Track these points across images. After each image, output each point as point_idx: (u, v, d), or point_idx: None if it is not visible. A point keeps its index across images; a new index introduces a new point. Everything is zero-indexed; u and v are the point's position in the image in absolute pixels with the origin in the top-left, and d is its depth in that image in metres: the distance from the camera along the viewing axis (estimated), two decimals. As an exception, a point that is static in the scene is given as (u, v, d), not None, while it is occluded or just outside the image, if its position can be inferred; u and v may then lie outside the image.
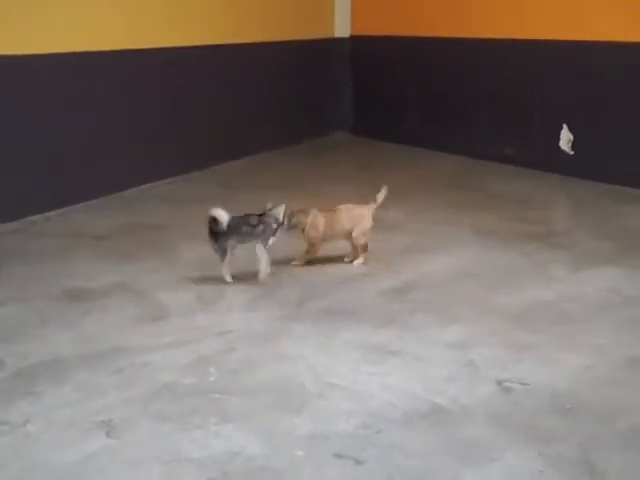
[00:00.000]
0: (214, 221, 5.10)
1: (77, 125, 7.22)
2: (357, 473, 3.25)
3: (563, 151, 8.22)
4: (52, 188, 7.02)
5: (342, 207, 5.65)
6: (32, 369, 4.14)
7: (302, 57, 10.21)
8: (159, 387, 3.92)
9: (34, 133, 6.81)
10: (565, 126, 8.15)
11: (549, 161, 8.35)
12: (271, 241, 5.29)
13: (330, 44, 10.77)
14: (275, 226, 5.27)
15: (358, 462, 3.31)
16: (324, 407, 3.73)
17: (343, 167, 9.82)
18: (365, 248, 5.65)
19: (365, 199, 5.76)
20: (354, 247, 5.65)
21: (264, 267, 5.27)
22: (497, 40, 8.73)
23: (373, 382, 3.94)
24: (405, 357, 4.21)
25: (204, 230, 5.21)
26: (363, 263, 5.64)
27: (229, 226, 5.13)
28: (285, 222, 5.37)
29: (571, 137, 8.12)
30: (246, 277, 5.27)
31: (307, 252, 5.58)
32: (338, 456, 3.35)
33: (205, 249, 5.32)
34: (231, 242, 5.17)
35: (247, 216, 5.25)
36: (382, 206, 5.72)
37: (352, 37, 10.84)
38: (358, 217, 5.59)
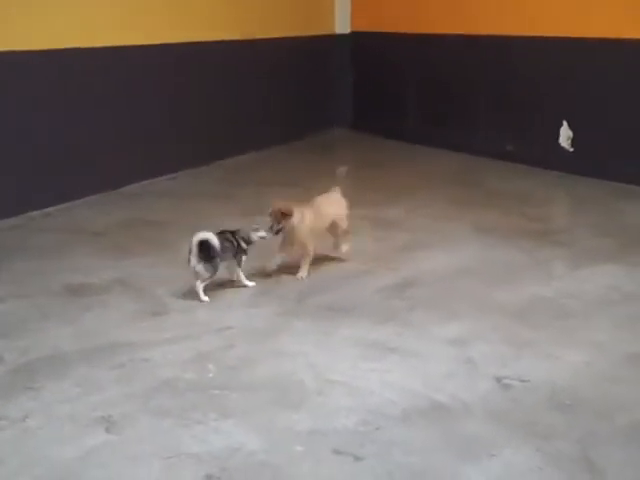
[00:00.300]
0: (204, 245, 4.84)
1: (77, 121, 7.22)
2: (356, 469, 3.26)
3: (563, 148, 8.22)
4: (52, 184, 7.02)
5: (319, 199, 5.53)
6: (32, 364, 4.14)
7: (302, 53, 10.20)
8: (159, 383, 3.93)
9: (33, 129, 6.81)
10: (565, 123, 8.15)
11: (549, 158, 8.35)
12: (244, 259, 5.14)
13: (330, 40, 10.76)
14: (245, 246, 5.11)
15: (357, 458, 3.32)
16: (323, 403, 3.74)
17: (343, 163, 9.82)
18: (349, 232, 5.62)
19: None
20: (337, 235, 5.59)
21: (244, 281, 5.16)
22: (497, 37, 8.73)
23: (372, 378, 3.95)
24: (404, 354, 4.21)
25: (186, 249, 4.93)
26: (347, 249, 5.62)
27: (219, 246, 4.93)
28: (273, 227, 5.21)
29: (571, 134, 8.12)
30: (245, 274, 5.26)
31: (305, 258, 5.37)
32: (337, 452, 3.36)
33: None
34: (221, 261, 4.98)
35: (223, 233, 5.05)
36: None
37: (352, 33, 10.83)
38: (336, 204, 5.56)
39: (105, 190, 7.53)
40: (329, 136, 10.92)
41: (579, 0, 7.92)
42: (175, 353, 4.24)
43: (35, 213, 6.84)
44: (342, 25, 10.84)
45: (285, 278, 5.34)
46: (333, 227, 5.56)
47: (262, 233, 5.16)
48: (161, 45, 7.97)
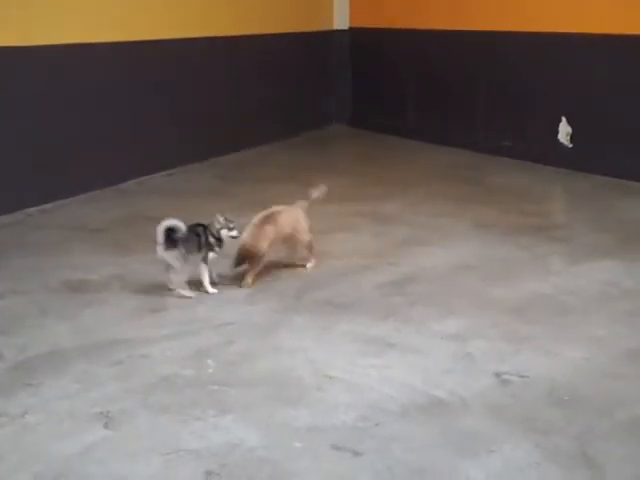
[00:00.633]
0: (169, 233, 4.81)
1: (73, 118, 7.21)
2: (355, 465, 3.26)
3: (562, 144, 8.22)
4: (49, 180, 7.02)
5: (275, 210, 5.27)
6: (31, 361, 4.14)
7: (301, 49, 10.20)
8: (158, 379, 3.93)
9: (30, 126, 6.80)
10: (564, 119, 8.15)
11: (548, 154, 8.35)
12: (211, 255, 5.02)
13: (329, 36, 10.75)
14: (213, 241, 5.00)
15: (356, 454, 3.32)
16: (322, 399, 3.74)
17: (341, 159, 9.83)
18: (311, 247, 5.41)
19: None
20: (296, 249, 5.41)
21: (205, 282, 5.03)
22: (496, 32, 8.72)
23: (372, 374, 3.95)
24: (404, 349, 4.22)
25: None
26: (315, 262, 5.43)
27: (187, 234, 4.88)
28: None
29: (569, 130, 8.12)
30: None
31: (251, 268, 5.13)
32: (336, 448, 3.36)
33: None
34: (187, 253, 4.93)
35: (195, 225, 4.99)
36: (318, 202, 5.51)
37: (351, 29, 10.82)
38: (294, 218, 5.32)
39: (103, 187, 7.53)
40: (328, 132, 10.92)
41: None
42: (174, 349, 4.24)
43: (32, 210, 6.84)
44: (341, 21, 10.83)
45: (284, 274, 5.34)
46: (291, 241, 5.36)
47: (234, 233, 5.02)
48: (158, 41, 7.96)
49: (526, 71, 8.49)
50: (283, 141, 10.01)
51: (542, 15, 8.23)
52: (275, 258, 5.41)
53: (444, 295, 4.96)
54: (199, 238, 4.96)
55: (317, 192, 5.50)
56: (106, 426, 3.54)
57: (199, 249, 4.96)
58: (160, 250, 4.82)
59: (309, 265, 5.43)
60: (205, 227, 5.01)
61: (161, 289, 5.04)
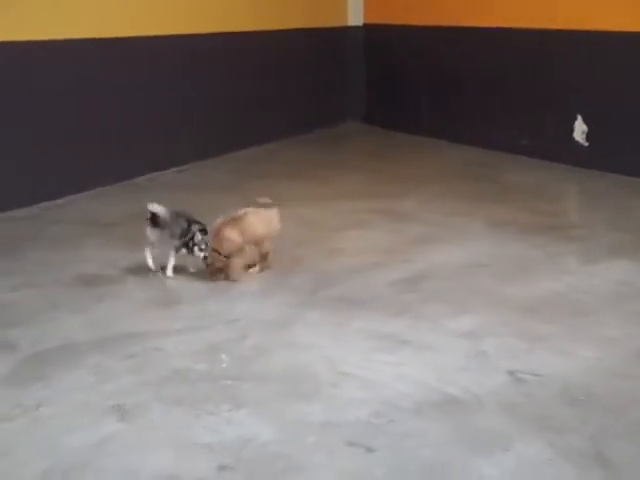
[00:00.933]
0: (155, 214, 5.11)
1: (88, 112, 7.23)
2: (368, 461, 3.25)
3: (578, 142, 8.18)
4: (63, 175, 7.03)
5: (249, 211, 5.15)
6: (44, 353, 4.16)
7: (315, 45, 10.18)
8: (171, 372, 3.93)
9: (44, 121, 6.82)
10: (579, 117, 8.11)
11: (563, 152, 8.31)
12: (183, 251, 5.19)
13: (343, 32, 10.73)
14: (186, 239, 5.17)
15: (370, 450, 3.31)
16: (336, 395, 3.73)
17: (354, 156, 9.81)
18: (267, 256, 5.23)
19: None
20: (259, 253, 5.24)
21: (170, 264, 5.21)
22: (512, 29, 8.68)
23: (385, 371, 3.94)
24: (417, 347, 4.21)
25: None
26: (260, 271, 5.25)
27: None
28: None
29: (585, 128, 8.08)
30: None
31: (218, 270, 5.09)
32: (350, 443, 3.35)
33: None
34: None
35: (182, 215, 5.22)
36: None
37: (365, 25, 10.80)
38: (265, 223, 5.16)
39: (114, 182, 7.54)
40: (341, 129, 10.90)
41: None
42: (187, 343, 4.24)
43: (46, 204, 6.86)
44: (355, 17, 10.81)
45: (297, 269, 5.32)
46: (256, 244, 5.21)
47: (201, 254, 5.14)
48: (174, 37, 7.97)
49: (542, 68, 8.45)
50: (296, 138, 10.00)
51: (558, 12, 8.18)
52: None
53: (458, 293, 4.95)
54: (188, 228, 5.15)
55: (263, 201, 5.24)
56: (120, 419, 3.55)
57: (180, 237, 5.16)
58: (148, 231, 5.16)
59: (252, 270, 5.23)
60: (189, 222, 5.19)
61: (173, 282, 5.05)
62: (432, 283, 5.11)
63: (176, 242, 5.16)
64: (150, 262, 5.22)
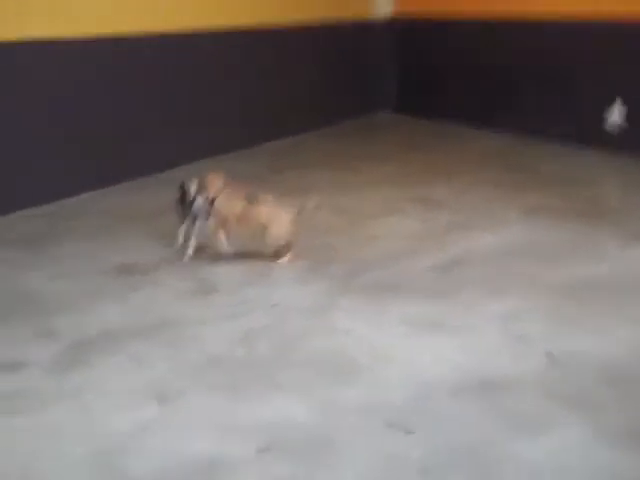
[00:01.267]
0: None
1: (116, 106, 7.28)
2: (407, 442, 3.27)
3: (613, 128, 8.09)
4: (100, 166, 7.11)
5: (268, 199, 5.18)
6: (84, 341, 4.22)
7: (345, 37, 10.16)
8: (210, 358, 3.97)
9: (69, 115, 6.86)
10: (617, 102, 8.02)
11: (599, 138, 8.23)
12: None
13: (375, 23, 10.70)
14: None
15: (408, 432, 3.33)
16: (375, 378, 3.75)
17: (387, 146, 9.77)
18: (288, 248, 5.20)
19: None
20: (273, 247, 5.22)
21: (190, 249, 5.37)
22: (544, 21, 8.60)
23: (423, 354, 3.95)
24: (455, 330, 4.21)
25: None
26: (288, 260, 5.22)
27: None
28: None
29: (623, 113, 7.98)
30: (293, 252, 5.28)
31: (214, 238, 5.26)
32: (388, 425, 3.37)
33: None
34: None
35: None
36: (310, 214, 5.23)
37: (396, 15, 10.76)
38: (274, 215, 5.12)
39: (151, 173, 7.60)
40: (373, 120, 10.88)
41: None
42: (225, 330, 4.28)
43: (83, 196, 6.93)
44: (384, 8, 10.78)
45: (332, 256, 5.34)
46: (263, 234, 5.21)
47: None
48: (205, 32, 8.00)
49: (576, 54, 8.37)
50: (327, 130, 9.99)
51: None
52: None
53: (494, 277, 4.93)
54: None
55: (312, 203, 5.21)
56: (160, 404, 3.60)
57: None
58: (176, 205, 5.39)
59: (280, 261, 5.23)
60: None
61: (210, 271, 5.09)
62: (468, 268, 5.09)
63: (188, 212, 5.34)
64: (180, 238, 5.42)
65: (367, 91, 10.81)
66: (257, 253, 5.29)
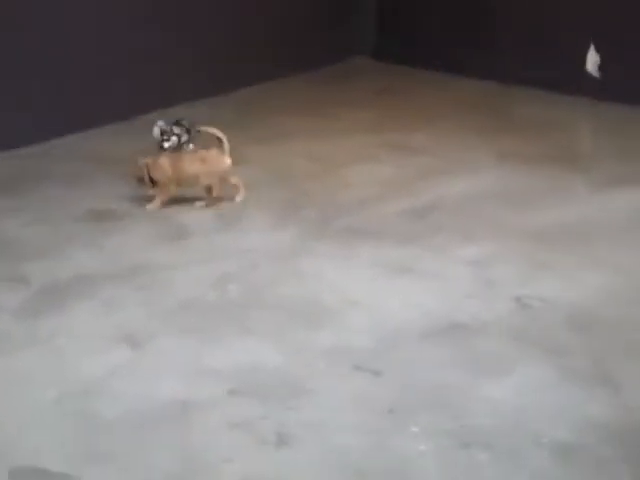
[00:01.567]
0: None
1: (91, 48, 7.14)
2: (375, 384, 3.33)
3: (590, 73, 8.08)
4: (71, 111, 7.01)
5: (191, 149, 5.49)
6: (57, 285, 4.22)
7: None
8: (181, 303, 4.00)
9: (48, 57, 6.76)
10: (592, 47, 8.00)
11: (576, 84, 8.21)
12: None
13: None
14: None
15: (376, 374, 3.39)
16: (344, 322, 3.79)
17: (364, 93, 9.62)
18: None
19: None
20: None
21: None
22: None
23: (393, 298, 4.00)
24: (425, 275, 4.25)
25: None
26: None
27: None
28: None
29: (598, 59, 7.97)
30: (266, 198, 5.28)
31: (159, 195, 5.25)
32: (357, 368, 3.42)
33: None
34: None
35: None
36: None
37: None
38: (209, 159, 5.19)
39: (124, 119, 7.51)
40: (350, 66, 10.76)
41: None
42: (197, 274, 4.29)
43: (56, 141, 6.85)
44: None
45: (305, 202, 5.34)
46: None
47: (166, 144, 5.61)
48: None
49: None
50: (301, 75, 9.82)
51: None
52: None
53: (466, 223, 4.95)
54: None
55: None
56: (132, 347, 3.63)
57: None
58: None
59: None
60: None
61: (182, 217, 5.09)
62: (441, 213, 5.11)
63: None
64: None
65: (343, 36, 10.64)
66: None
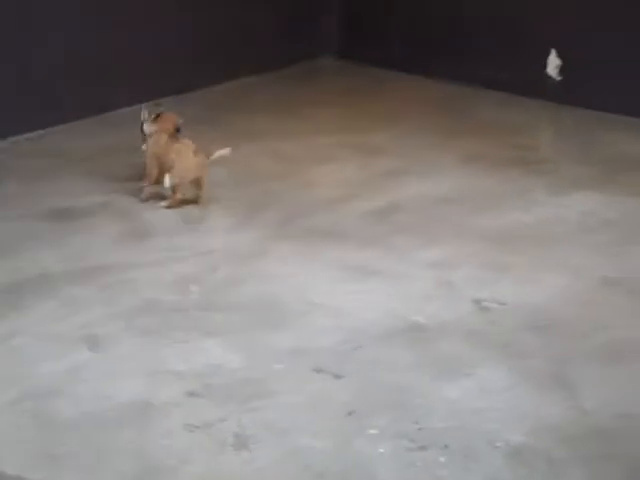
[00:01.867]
0: None
1: (58, 44, 7.09)
2: (335, 386, 3.36)
3: (551, 77, 8.17)
4: (36, 107, 6.95)
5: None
6: (18, 284, 4.19)
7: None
8: (142, 303, 3.99)
9: (15, 51, 6.70)
10: (553, 51, 8.09)
11: (537, 87, 8.30)
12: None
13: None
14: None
15: (337, 376, 3.41)
16: (305, 324, 3.82)
17: (329, 93, 9.66)
18: (176, 191, 5.12)
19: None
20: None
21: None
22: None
23: (354, 300, 4.02)
24: (386, 276, 4.28)
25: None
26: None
27: None
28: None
29: (559, 62, 8.07)
30: (230, 199, 5.28)
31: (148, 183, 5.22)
32: (318, 370, 3.45)
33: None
34: None
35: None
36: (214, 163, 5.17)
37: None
38: (178, 153, 5.13)
39: (90, 115, 7.46)
40: (315, 66, 10.76)
41: None
42: (159, 275, 4.29)
43: (19, 137, 6.79)
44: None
45: (268, 202, 5.35)
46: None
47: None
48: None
49: (515, 2, 8.39)
50: (265, 75, 9.82)
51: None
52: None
53: (427, 225, 5.00)
54: None
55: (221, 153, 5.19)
56: (92, 348, 3.62)
57: None
58: None
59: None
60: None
61: (147, 216, 5.07)
62: (402, 215, 5.15)
63: None
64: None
65: (309, 36, 10.64)
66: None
